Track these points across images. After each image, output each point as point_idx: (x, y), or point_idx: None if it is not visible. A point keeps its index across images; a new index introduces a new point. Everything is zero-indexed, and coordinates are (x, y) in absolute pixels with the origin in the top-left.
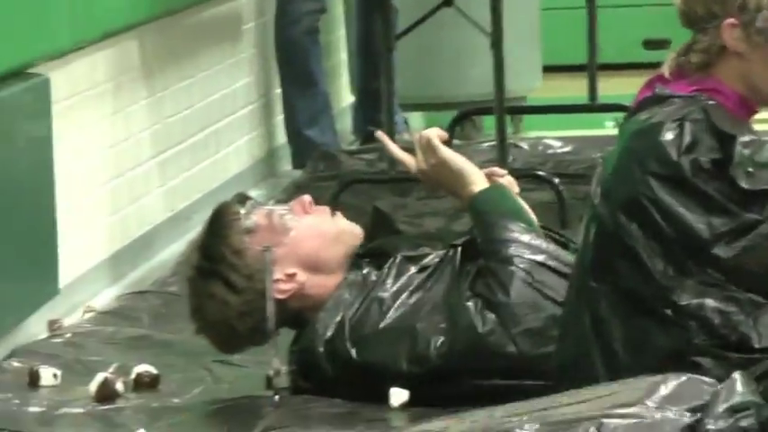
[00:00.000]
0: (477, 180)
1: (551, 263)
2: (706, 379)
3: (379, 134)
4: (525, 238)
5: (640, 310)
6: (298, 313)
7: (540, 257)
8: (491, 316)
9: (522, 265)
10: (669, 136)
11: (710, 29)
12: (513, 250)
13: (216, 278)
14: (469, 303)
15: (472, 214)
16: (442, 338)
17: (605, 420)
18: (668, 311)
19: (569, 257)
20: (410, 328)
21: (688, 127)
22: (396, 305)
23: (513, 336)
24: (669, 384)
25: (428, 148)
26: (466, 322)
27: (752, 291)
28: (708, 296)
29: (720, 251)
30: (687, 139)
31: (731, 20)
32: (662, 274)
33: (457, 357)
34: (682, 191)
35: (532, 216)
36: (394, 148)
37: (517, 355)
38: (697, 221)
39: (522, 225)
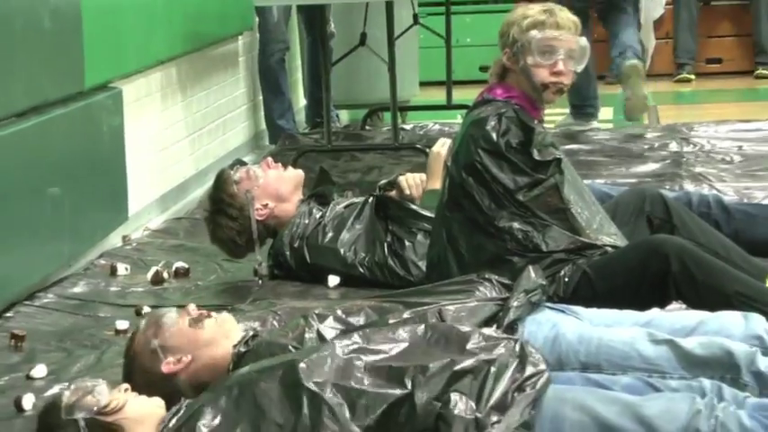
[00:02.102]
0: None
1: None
2: (507, 282)
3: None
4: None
5: (477, 229)
6: (273, 229)
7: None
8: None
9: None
10: (492, 125)
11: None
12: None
13: (220, 213)
14: (385, 243)
15: None
16: (365, 257)
17: (443, 308)
18: (492, 230)
19: None
20: (341, 248)
21: (504, 120)
22: (334, 229)
23: (411, 270)
24: (487, 285)
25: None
26: (381, 255)
27: (541, 217)
28: (515, 221)
29: (521, 196)
30: (503, 127)
31: (506, 49)
32: (488, 208)
33: (374, 271)
34: (499, 159)
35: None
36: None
37: (412, 279)
38: (507, 178)
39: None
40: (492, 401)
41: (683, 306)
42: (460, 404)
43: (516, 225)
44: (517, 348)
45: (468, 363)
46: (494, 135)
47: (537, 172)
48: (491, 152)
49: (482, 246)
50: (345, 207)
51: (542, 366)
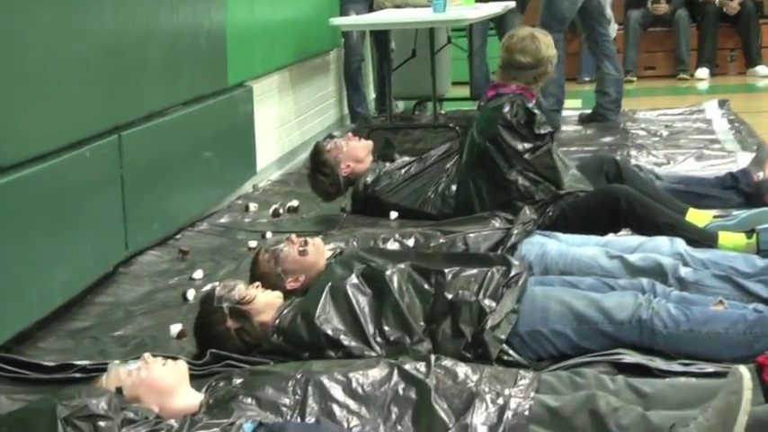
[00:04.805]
0: None
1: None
2: (510, 217)
3: None
4: None
5: (493, 182)
6: (353, 181)
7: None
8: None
9: None
10: (507, 108)
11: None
12: None
13: (317, 172)
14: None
15: None
16: (422, 196)
17: (467, 235)
18: (504, 183)
19: None
20: (401, 191)
21: (515, 105)
22: (398, 178)
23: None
24: (497, 220)
25: None
26: (432, 195)
27: (538, 174)
28: (519, 178)
29: (527, 156)
30: (514, 110)
31: (540, 65)
32: (503, 167)
33: (425, 206)
34: (512, 131)
35: None
36: None
37: (448, 212)
38: (517, 144)
39: None
40: (488, 293)
41: (629, 232)
42: (467, 294)
43: (520, 180)
44: (504, 260)
45: (472, 270)
46: (509, 115)
47: (537, 140)
48: (506, 127)
49: (497, 193)
50: (404, 164)
51: (520, 270)
